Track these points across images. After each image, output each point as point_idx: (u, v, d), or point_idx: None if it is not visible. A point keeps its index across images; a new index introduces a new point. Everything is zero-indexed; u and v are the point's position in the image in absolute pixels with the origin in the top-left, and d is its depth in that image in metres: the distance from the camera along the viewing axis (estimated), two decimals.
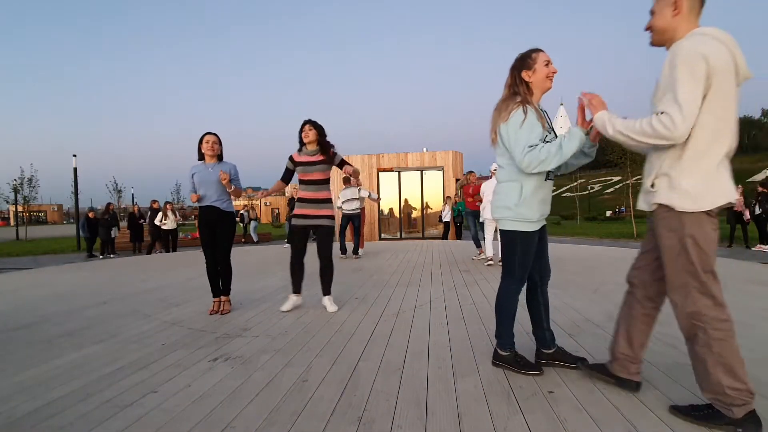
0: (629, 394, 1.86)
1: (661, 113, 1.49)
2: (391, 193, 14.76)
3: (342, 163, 3.58)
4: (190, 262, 8.09)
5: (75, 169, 16.74)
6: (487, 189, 6.37)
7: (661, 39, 1.63)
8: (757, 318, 3.02)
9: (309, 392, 1.99)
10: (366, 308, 3.69)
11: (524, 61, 2.03)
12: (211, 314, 3.56)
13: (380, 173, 14.51)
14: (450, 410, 1.78)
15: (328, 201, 3.63)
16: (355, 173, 3.51)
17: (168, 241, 11.54)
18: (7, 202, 27.17)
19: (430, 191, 14.50)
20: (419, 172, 14.47)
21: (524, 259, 2.07)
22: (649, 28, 1.65)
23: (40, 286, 5.59)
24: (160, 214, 11.52)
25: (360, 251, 8.04)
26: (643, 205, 1.73)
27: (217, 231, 3.62)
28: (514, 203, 2.02)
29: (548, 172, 2.03)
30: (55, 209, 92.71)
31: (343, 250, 7.98)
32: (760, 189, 9.74)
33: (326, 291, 3.63)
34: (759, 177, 40.09)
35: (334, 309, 3.54)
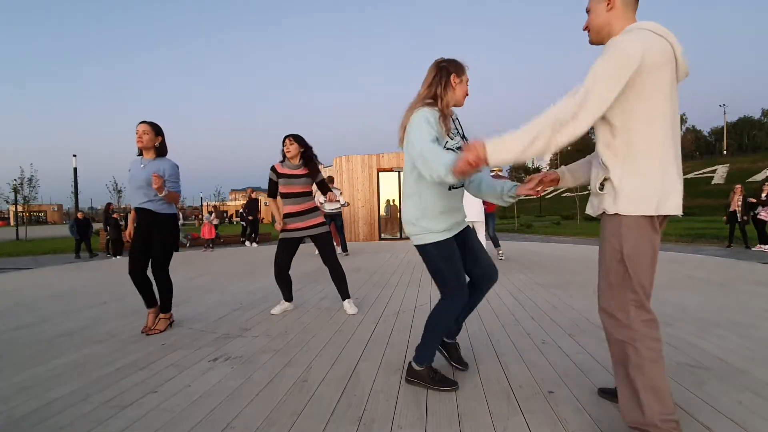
0: None
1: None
2: (391, 193, 14.76)
3: (323, 185, 3.53)
4: (190, 262, 8.09)
5: (75, 169, 16.74)
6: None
7: (598, 37, 1.53)
8: (758, 318, 3.02)
9: (309, 392, 1.99)
10: (366, 308, 3.69)
11: (458, 67, 1.91)
12: (142, 332, 3.08)
13: (380, 173, 14.51)
14: (450, 410, 1.78)
15: (315, 210, 3.55)
16: (331, 197, 3.51)
17: None
18: (7, 202, 27.16)
19: None
20: None
21: (450, 266, 1.90)
22: (586, 27, 1.57)
23: (40, 286, 5.59)
24: None
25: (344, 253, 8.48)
26: (589, 209, 1.60)
27: (152, 238, 3.10)
28: (415, 218, 1.93)
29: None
30: (55, 209, 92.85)
31: None
32: (764, 188, 9.71)
33: (344, 295, 3.58)
34: (759, 177, 40.08)
35: (353, 312, 3.49)
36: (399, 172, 14.52)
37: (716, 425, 1.59)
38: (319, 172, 3.53)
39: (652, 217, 1.40)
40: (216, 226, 13.05)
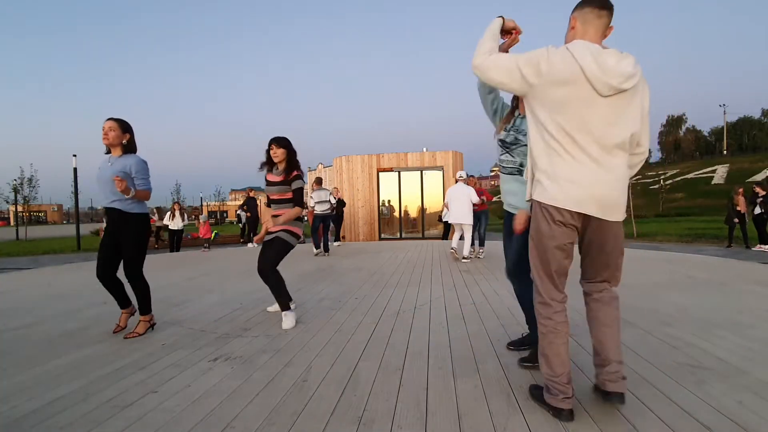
0: (629, 394, 1.84)
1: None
2: (391, 193, 14.77)
3: (296, 195, 3.28)
4: (190, 262, 8.09)
5: (75, 169, 16.75)
6: (455, 194, 6.98)
7: None
8: (758, 318, 3.02)
9: (309, 392, 1.99)
10: (366, 308, 3.69)
11: None
12: (115, 332, 3.04)
13: (380, 173, 14.51)
14: (450, 410, 1.78)
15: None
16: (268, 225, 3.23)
17: (173, 241, 11.49)
18: (7, 202, 27.17)
19: (430, 191, 14.51)
20: (419, 172, 14.48)
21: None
22: None
23: (40, 286, 5.59)
24: (168, 213, 11.54)
25: (336, 243, 8.91)
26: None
27: (120, 238, 2.97)
28: None
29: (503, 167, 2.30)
30: (55, 209, 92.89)
31: (317, 246, 8.61)
32: (757, 190, 9.76)
33: (279, 306, 3.24)
34: (759, 177, 40.07)
35: (286, 326, 3.12)
36: (399, 172, 14.52)
37: (716, 425, 1.59)
38: (295, 180, 3.28)
39: (549, 208, 1.63)
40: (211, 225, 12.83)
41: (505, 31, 1.92)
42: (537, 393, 1.81)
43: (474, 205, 6.92)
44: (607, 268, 1.73)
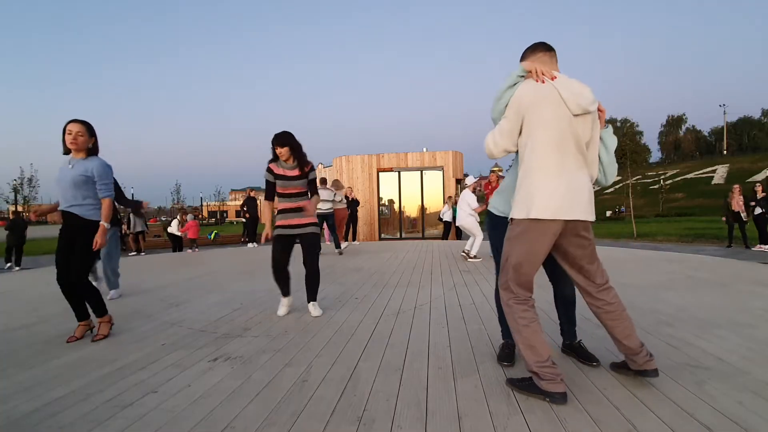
0: (629, 394, 1.86)
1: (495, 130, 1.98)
2: (391, 193, 14.78)
3: (312, 186, 3.48)
4: (191, 262, 8.09)
5: None
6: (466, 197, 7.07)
7: None
8: (758, 318, 3.02)
9: (309, 392, 1.99)
10: (366, 308, 3.69)
11: None
12: (69, 342, 2.90)
13: (380, 173, 14.51)
14: (450, 410, 1.78)
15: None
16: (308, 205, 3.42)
17: (174, 243, 11.89)
18: (7, 202, 27.20)
19: (430, 191, 14.52)
20: (419, 172, 14.49)
21: None
22: None
23: (40, 286, 5.58)
24: (175, 221, 11.81)
25: (343, 245, 8.74)
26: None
27: (74, 243, 2.89)
28: None
29: None
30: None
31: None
32: (757, 189, 9.75)
33: (312, 297, 3.53)
34: (759, 177, 40.09)
35: (317, 313, 3.44)
36: (399, 172, 14.52)
37: (716, 425, 1.59)
38: (309, 173, 3.46)
39: (530, 220, 1.82)
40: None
41: None
42: (523, 384, 1.91)
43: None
44: (596, 262, 1.95)
